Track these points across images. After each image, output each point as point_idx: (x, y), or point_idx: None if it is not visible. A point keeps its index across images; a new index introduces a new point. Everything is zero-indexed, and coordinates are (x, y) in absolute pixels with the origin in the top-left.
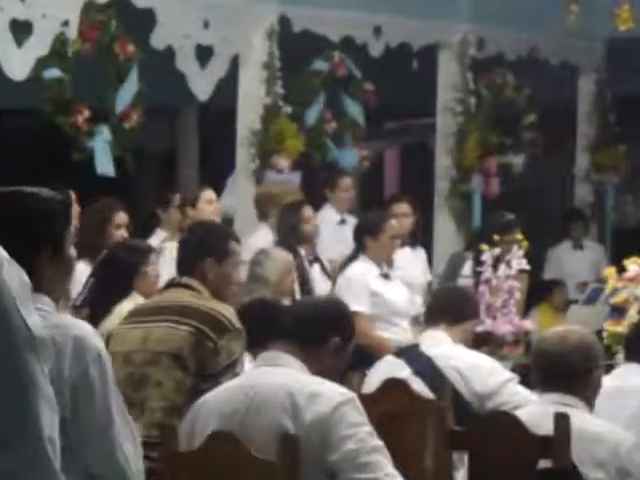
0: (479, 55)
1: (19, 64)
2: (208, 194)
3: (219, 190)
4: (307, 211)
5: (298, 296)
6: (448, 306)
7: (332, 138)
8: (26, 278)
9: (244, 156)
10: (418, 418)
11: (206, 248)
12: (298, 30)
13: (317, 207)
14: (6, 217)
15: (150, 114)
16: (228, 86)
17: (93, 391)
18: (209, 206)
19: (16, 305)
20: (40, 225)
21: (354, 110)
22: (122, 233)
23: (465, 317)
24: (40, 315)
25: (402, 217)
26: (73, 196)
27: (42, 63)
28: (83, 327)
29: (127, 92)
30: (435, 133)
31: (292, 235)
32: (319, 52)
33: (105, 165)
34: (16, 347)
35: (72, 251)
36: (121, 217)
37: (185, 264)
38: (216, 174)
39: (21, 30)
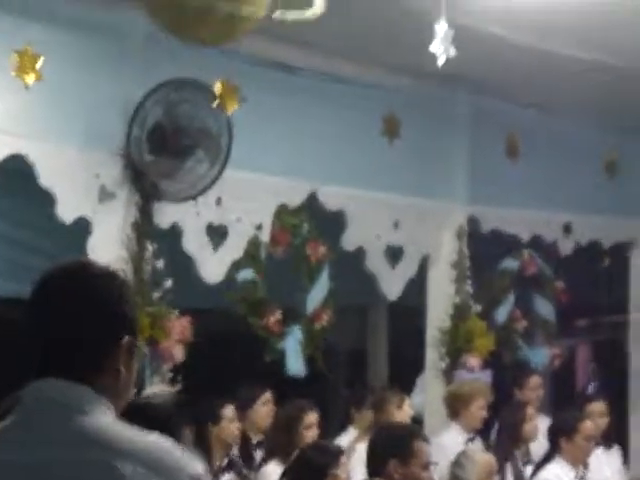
0: None
1: (215, 267)
2: (398, 399)
3: (409, 389)
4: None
5: None
6: None
7: (523, 336)
8: None
9: (434, 355)
10: None
11: (390, 449)
12: (487, 230)
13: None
14: (91, 297)
15: (340, 313)
16: (418, 285)
17: None
18: (398, 410)
19: None
20: (123, 311)
21: (545, 308)
22: (313, 433)
23: None
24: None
25: (597, 417)
26: (269, 396)
27: (236, 265)
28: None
29: (318, 293)
30: (628, 330)
31: (511, 435)
32: (508, 251)
33: (296, 365)
34: None
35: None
36: (311, 417)
37: (372, 466)
38: (406, 373)
39: (217, 234)
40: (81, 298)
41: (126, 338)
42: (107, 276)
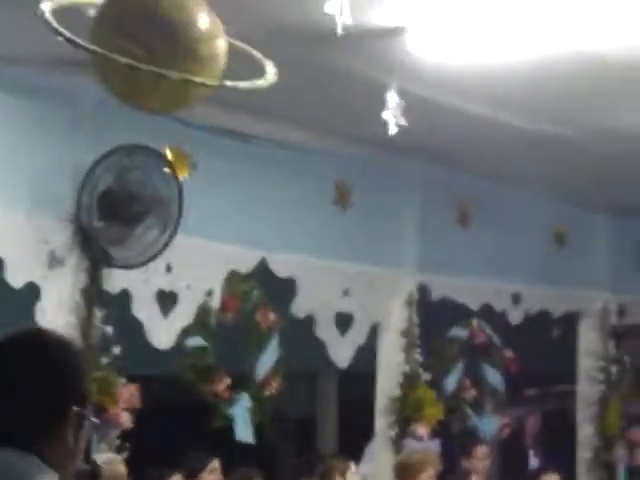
0: (620, 323)
1: (164, 333)
2: (343, 466)
3: (358, 457)
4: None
5: None
6: None
7: (472, 405)
8: None
9: (383, 423)
10: None
11: None
12: (437, 298)
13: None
14: (36, 367)
15: (290, 380)
16: (368, 352)
17: None
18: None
19: None
20: (75, 382)
21: (494, 377)
22: None
23: None
24: None
25: None
26: (216, 464)
27: (186, 332)
28: None
29: (268, 359)
30: (576, 400)
31: None
32: (458, 319)
33: (245, 432)
34: None
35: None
36: None
37: None
38: (356, 441)
39: (167, 300)
40: (32, 366)
41: (75, 409)
42: (61, 345)
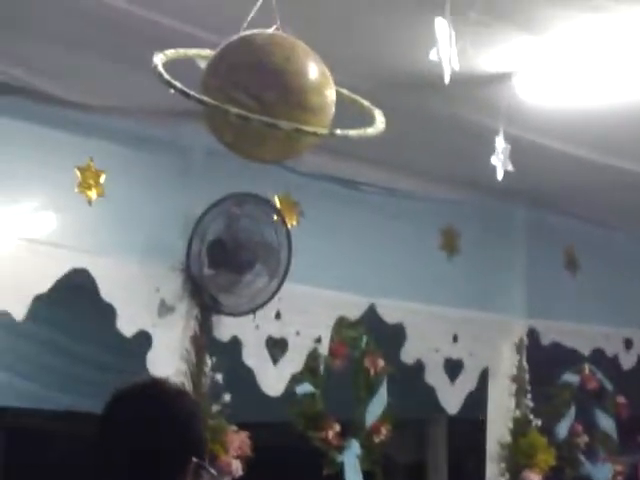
0: None
1: (274, 380)
2: None
3: None
4: None
5: None
6: None
7: (584, 452)
8: None
9: (494, 470)
10: None
11: None
12: (547, 343)
13: None
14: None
15: (399, 426)
16: (477, 398)
17: None
18: None
19: None
20: (194, 433)
21: (606, 423)
22: None
23: None
24: None
25: None
26: None
27: (295, 379)
28: None
29: (377, 406)
30: None
31: None
32: (568, 365)
33: (355, 479)
34: None
35: None
36: None
37: None
38: None
39: (276, 347)
40: (152, 417)
41: (194, 460)
42: (180, 395)
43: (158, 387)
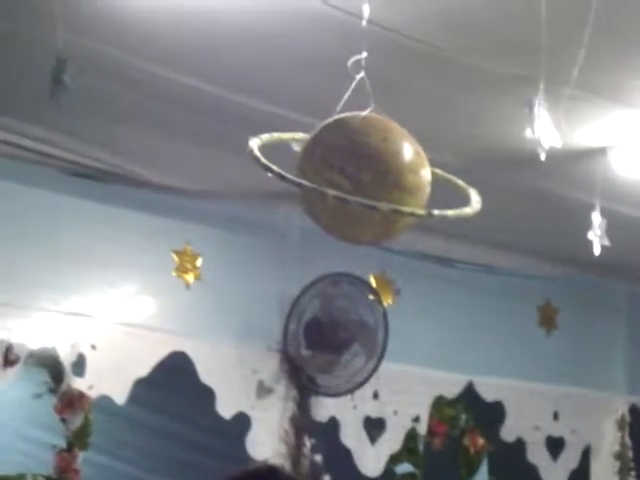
0: None
1: (373, 461)
2: None
3: None
4: None
5: None
6: None
7: None
8: None
9: None
10: None
11: None
12: None
13: None
14: None
15: None
16: (581, 476)
17: None
18: None
19: None
20: None
21: None
22: None
23: None
24: None
25: None
26: None
27: (394, 459)
28: None
29: None
30: None
31: None
32: None
33: None
34: None
35: None
36: None
37: None
38: None
39: (374, 427)
40: None
41: None
42: None
43: (273, 473)
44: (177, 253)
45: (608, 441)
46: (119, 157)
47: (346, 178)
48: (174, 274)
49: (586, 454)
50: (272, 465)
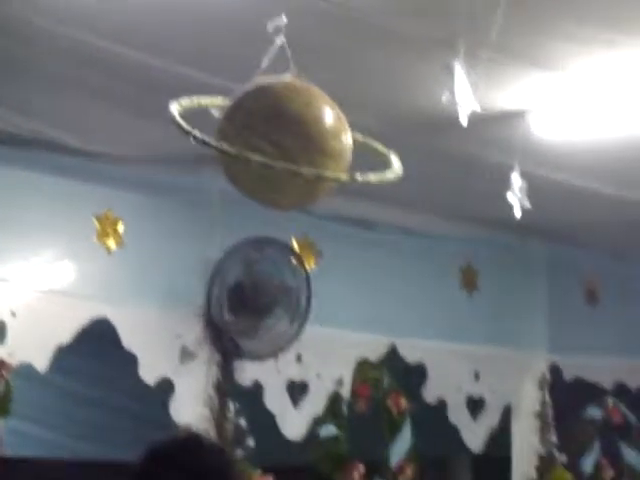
0: None
1: (296, 424)
2: None
3: None
4: None
5: None
6: None
7: None
8: None
9: None
10: None
11: None
12: (569, 378)
13: None
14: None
15: (424, 466)
16: (501, 435)
17: None
18: None
19: None
20: None
21: (632, 458)
22: None
23: None
24: None
25: None
26: None
27: (317, 421)
28: None
29: (401, 446)
30: None
31: None
32: (591, 399)
33: None
34: None
35: None
36: None
37: None
38: None
39: (297, 390)
40: (190, 470)
41: None
42: (216, 451)
43: (196, 442)
44: (98, 218)
45: (529, 400)
46: (39, 123)
47: (269, 143)
48: (95, 240)
49: (507, 414)
50: (194, 432)
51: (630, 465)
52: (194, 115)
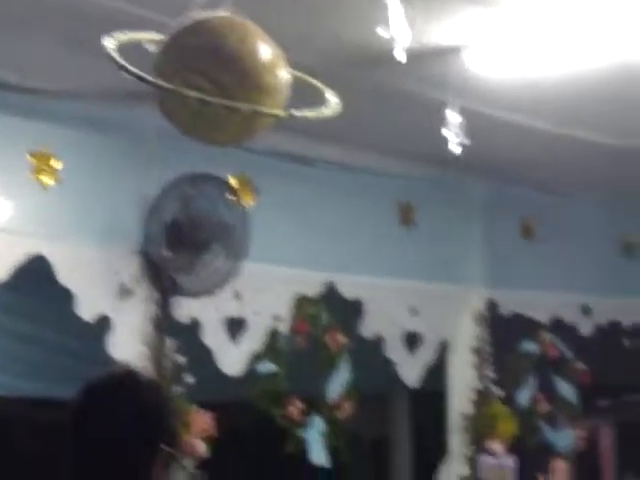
0: None
1: (235, 360)
2: None
3: (433, 476)
4: None
5: None
6: None
7: (546, 419)
8: None
9: (457, 441)
10: None
11: None
12: (506, 313)
13: None
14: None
15: (361, 402)
16: (438, 371)
17: None
18: None
19: None
20: (166, 423)
21: (567, 391)
22: None
23: None
24: None
25: None
26: None
27: (256, 358)
28: None
29: (339, 382)
30: None
31: None
32: (528, 334)
33: (319, 456)
34: None
35: None
36: None
37: None
38: (429, 460)
39: (236, 327)
40: (126, 407)
41: (165, 449)
42: (152, 387)
43: (131, 377)
44: (33, 154)
45: (465, 335)
46: None
47: (205, 80)
48: (31, 176)
49: (444, 349)
50: (130, 369)
51: (564, 398)
52: (131, 50)
